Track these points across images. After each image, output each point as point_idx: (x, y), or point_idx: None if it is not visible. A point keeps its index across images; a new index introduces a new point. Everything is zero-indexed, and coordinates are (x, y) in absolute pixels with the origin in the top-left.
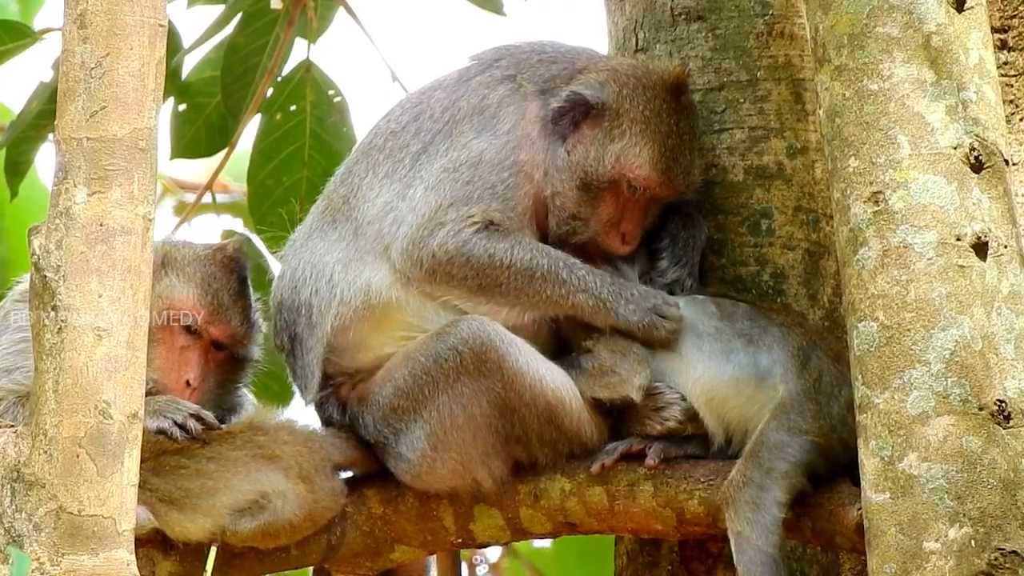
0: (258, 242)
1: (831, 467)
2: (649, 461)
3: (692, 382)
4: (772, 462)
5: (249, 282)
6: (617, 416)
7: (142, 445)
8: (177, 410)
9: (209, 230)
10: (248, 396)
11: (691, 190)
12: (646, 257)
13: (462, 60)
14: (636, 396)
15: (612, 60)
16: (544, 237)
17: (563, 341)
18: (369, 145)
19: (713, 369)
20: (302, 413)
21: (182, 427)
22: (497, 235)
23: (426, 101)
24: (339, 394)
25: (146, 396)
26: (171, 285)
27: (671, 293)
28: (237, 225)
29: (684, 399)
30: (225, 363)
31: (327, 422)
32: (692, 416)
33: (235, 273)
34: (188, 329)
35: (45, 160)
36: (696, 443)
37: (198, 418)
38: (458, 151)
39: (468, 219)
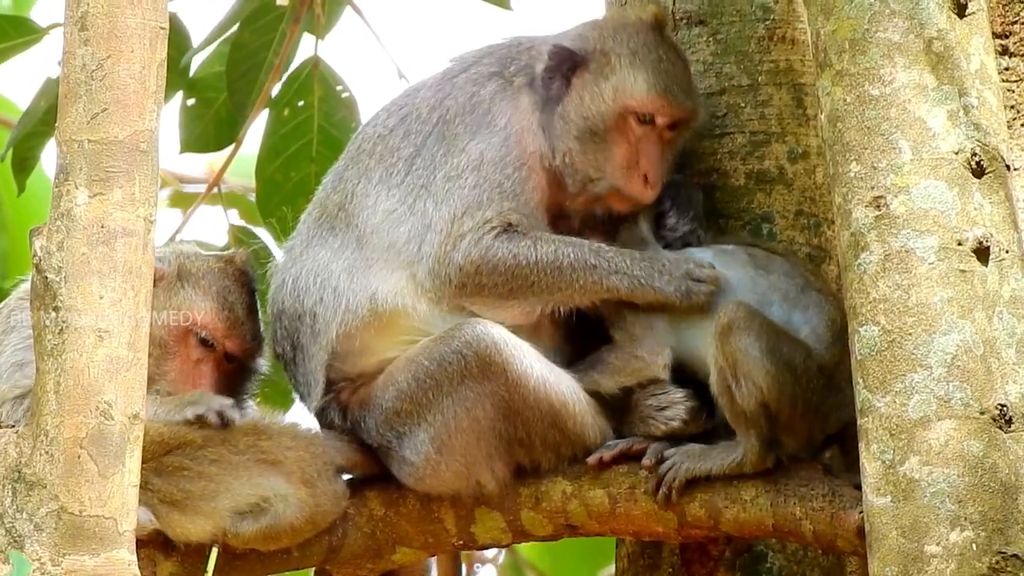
0: (264, 236)
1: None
2: (645, 461)
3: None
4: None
5: (257, 294)
6: (621, 418)
7: (145, 447)
8: (212, 400)
9: (211, 222)
10: (252, 406)
11: (698, 113)
12: (654, 223)
13: (444, 62)
14: (663, 374)
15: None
16: (563, 227)
17: (574, 344)
18: (358, 151)
19: None
20: (304, 416)
21: (219, 414)
22: (517, 236)
23: (411, 103)
24: (340, 399)
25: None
26: (188, 299)
27: (687, 245)
28: (233, 215)
29: (688, 398)
30: (235, 374)
31: (328, 427)
32: (695, 415)
33: (246, 286)
34: (204, 342)
35: (50, 155)
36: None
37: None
38: (457, 156)
39: (486, 224)
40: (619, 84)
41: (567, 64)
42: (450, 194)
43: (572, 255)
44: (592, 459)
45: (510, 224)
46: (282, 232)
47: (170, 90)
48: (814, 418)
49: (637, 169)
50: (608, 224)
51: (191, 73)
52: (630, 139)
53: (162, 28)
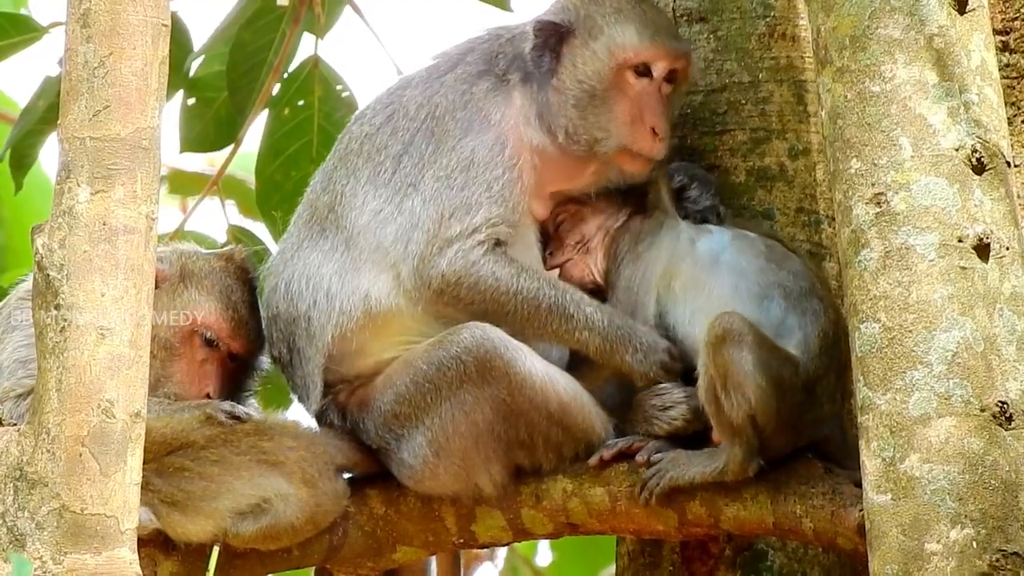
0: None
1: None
2: (639, 458)
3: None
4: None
5: (258, 291)
6: (623, 417)
7: (147, 447)
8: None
9: (210, 216)
10: (253, 403)
11: (692, 59)
12: (675, 197)
13: (426, 59)
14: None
15: None
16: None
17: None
18: (345, 150)
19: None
20: (303, 414)
21: (228, 412)
22: (505, 259)
23: (398, 100)
24: (338, 400)
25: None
26: (192, 300)
27: (705, 221)
28: (232, 211)
29: (691, 397)
30: (238, 372)
31: (328, 427)
32: (698, 414)
33: (247, 284)
34: (209, 343)
35: (49, 152)
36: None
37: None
38: (447, 155)
39: (475, 234)
40: (610, 40)
41: (553, 37)
42: (438, 193)
43: (552, 298)
44: (592, 460)
45: (499, 241)
46: (279, 229)
47: (170, 89)
48: (790, 433)
49: (643, 124)
50: (625, 206)
51: (191, 72)
52: (630, 95)
53: (164, 25)
